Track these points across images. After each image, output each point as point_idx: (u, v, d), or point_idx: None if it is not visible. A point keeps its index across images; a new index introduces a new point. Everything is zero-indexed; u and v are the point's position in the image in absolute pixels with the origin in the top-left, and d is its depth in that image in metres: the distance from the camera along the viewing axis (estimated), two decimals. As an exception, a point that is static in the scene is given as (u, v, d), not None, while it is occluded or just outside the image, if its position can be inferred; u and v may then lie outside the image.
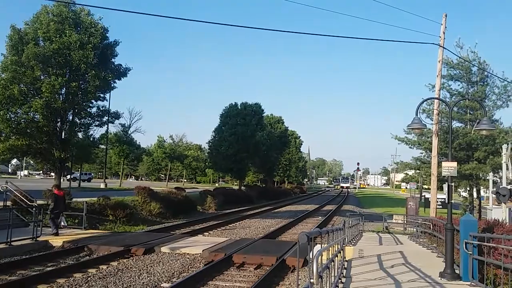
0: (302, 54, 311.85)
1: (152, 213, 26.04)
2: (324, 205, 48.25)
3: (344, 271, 10.30)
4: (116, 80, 23.90)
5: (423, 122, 10.83)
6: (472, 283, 9.01)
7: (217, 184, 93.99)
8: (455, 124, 27.95)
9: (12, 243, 13.38)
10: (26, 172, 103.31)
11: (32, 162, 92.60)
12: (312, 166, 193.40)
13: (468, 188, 29.99)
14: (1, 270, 10.76)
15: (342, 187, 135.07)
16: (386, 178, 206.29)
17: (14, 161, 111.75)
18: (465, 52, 26.71)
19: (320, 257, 5.54)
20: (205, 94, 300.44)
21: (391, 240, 17.99)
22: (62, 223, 17.27)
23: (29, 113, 20.92)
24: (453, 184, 10.63)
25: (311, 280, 4.85)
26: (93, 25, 21.85)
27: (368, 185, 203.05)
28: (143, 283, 10.14)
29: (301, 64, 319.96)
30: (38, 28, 20.69)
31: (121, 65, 23.48)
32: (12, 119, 20.65)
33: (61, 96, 21.39)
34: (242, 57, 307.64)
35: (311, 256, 5.35)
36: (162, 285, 10.09)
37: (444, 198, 29.37)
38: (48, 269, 11.25)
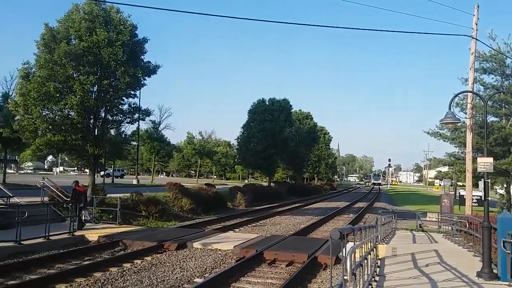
0: (330, 49, 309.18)
1: (183, 209, 26.39)
2: (355, 202, 47.74)
3: (378, 269, 10.17)
4: (146, 78, 24.22)
5: (456, 116, 10.57)
6: (511, 283, 8.74)
7: (246, 181, 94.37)
8: (490, 119, 27.12)
9: (50, 237, 13.80)
10: (61, 168, 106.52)
11: (67, 159, 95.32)
12: (342, 162, 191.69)
13: (505, 185, 29.09)
14: (40, 264, 11.15)
15: (374, 183, 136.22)
16: (418, 174, 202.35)
17: (49, 158, 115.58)
18: (498, 44, 25.86)
19: (353, 254, 5.49)
20: (233, 91, 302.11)
21: (425, 238, 17.64)
22: (84, 218, 17.48)
23: (63, 110, 21.46)
24: (489, 180, 10.33)
25: (345, 277, 4.80)
26: (122, 23, 22.12)
27: (400, 182, 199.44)
28: (176, 278, 10.29)
29: (329, 60, 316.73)
30: (70, 26, 21.12)
31: (150, 62, 23.74)
32: (48, 115, 21.26)
33: (93, 93, 21.84)
34: (270, 53, 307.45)
35: (343, 253, 5.31)
36: (195, 280, 10.22)
37: (480, 196, 28.46)
38: (85, 263, 11.58)
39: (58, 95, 20.85)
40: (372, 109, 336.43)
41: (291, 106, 54.78)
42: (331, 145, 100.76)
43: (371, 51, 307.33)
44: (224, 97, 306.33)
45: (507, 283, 8.83)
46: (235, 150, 75.13)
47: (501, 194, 33.19)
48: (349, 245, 6.65)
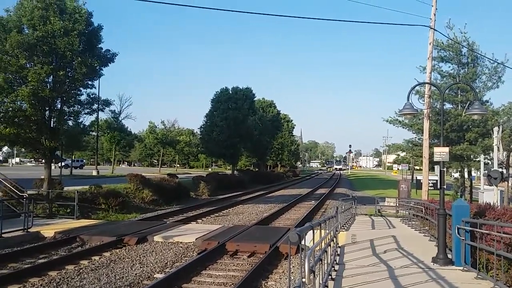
0: (291, 38, 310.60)
1: (144, 200, 25.95)
2: (317, 188, 48.41)
3: (337, 257, 10.30)
4: (103, 67, 23.54)
5: (414, 107, 10.76)
6: (465, 268, 9.04)
7: (210, 169, 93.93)
8: (447, 106, 27.99)
9: (3, 235, 13.25)
10: (17, 159, 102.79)
11: (23, 150, 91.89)
12: (304, 149, 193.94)
13: (459, 170, 30.19)
14: (-8, 264, 10.66)
15: (336, 168, 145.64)
16: (378, 159, 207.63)
17: (5, 148, 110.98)
18: (455, 34, 26.60)
19: (312, 254, 5.44)
20: (196, 79, 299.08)
21: (384, 223, 18.07)
22: None
23: (16, 102, 20.56)
24: (445, 169, 10.61)
25: (303, 280, 4.69)
26: (77, 11, 21.34)
27: (361, 166, 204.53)
28: (136, 274, 10.08)
29: (291, 48, 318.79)
30: (22, 15, 20.19)
31: (109, 50, 23.08)
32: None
33: (48, 84, 21.04)
34: (233, 41, 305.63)
35: (303, 243, 5.24)
36: (155, 275, 10.04)
37: (436, 180, 29.54)
38: (40, 261, 11.17)
39: (8, 86, 19.93)
40: (334, 95, 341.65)
41: (254, 94, 54.81)
42: (294, 132, 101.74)
43: (332, 38, 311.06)
44: (187, 86, 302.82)
45: (461, 267, 9.13)
46: (198, 139, 74.52)
47: (455, 177, 34.45)
48: (309, 234, 6.61)
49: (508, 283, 7.58)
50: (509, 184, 26.26)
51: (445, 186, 10.54)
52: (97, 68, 22.33)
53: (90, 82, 23.13)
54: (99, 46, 22.73)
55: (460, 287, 7.65)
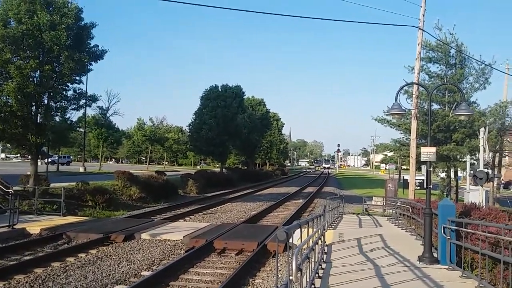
0: (281, 37, 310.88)
1: (132, 197, 25.79)
2: (305, 187, 48.56)
3: (325, 256, 10.35)
4: (92, 63, 23.35)
5: (402, 107, 10.86)
6: (450, 267, 9.15)
7: (198, 167, 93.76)
8: (434, 106, 28.25)
9: (-13, 232, 13.07)
10: (3, 155, 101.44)
11: (9, 145, 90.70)
12: (293, 147, 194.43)
13: (445, 170, 30.51)
14: (-24, 261, 10.51)
15: (324, 167, 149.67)
16: (366, 159, 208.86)
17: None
18: (444, 35, 26.87)
19: (299, 252, 5.46)
20: (186, 76, 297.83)
21: (371, 222, 18.20)
22: None
23: (1, 97, 20.28)
24: (431, 169, 10.72)
25: (290, 278, 4.70)
26: (66, 5, 21.14)
27: (349, 166, 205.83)
28: (122, 271, 10.01)
29: (281, 47, 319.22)
30: (9, 9, 19.94)
31: (97, 45, 22.88)
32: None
33: (34, 79, 20.80)
34: (224, 40, 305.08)
35: (290, 241, 5.25)
36: (142, 273, 9.99)
37: (423, 179, 29.84)
38: (26, 258, 11.03)
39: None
40: (324, 94, 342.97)
41: (243, 92, 54.82)
42: (283, 131, 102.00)
43: (322, 38, 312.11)
44: (176, 83, 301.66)
45: (446, 266, 9.24)
46: (187, 136, 74.30)
47: (442, 177, 34.81)
48: (297, 233, 6.63)
49: (492, 281, 7.68)
50: (494, 185, 26.63)
51: (431, 186, 10.64)
52: (86, 63, 22.13)
53: (77, 78, 22.92)
54: (89, 42, 22.55)
55: (445, 286, 7.73)
